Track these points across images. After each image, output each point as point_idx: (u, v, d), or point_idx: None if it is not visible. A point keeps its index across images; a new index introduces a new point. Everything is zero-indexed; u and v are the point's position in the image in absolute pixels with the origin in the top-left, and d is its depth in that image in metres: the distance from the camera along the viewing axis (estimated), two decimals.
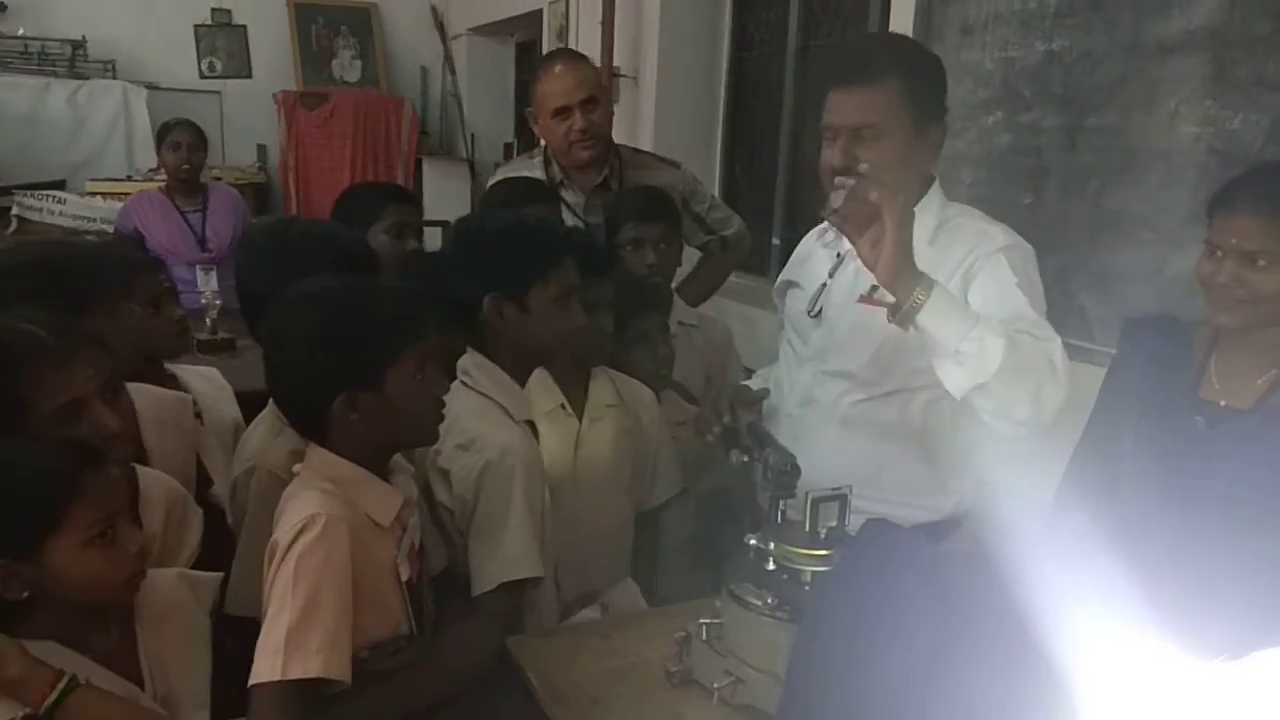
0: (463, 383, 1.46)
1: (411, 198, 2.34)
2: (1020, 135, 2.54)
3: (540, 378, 1.65)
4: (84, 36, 5.28)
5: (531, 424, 1.53)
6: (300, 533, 1.14)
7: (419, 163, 5.73)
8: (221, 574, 1.32)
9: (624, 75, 4.11)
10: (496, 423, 1.44)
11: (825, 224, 1.63)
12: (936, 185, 1.56)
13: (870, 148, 1.43)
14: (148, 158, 5.20)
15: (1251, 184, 1.32)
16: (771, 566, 1.13)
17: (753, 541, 1.16)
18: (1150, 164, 2.20)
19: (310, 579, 1.13)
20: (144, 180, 5.00)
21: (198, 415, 1.62)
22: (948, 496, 1.53)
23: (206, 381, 1.74)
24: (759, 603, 1.10)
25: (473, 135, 5.87)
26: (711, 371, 2.16)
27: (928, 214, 1.46)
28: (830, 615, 0.97)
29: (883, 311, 1.38)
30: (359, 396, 1.21)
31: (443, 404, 1.29)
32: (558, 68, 2.35)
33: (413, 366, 1.23)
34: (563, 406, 1.68)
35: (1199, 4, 2.06)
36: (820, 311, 1.57)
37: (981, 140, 2.59)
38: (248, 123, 5.56)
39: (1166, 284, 2.15)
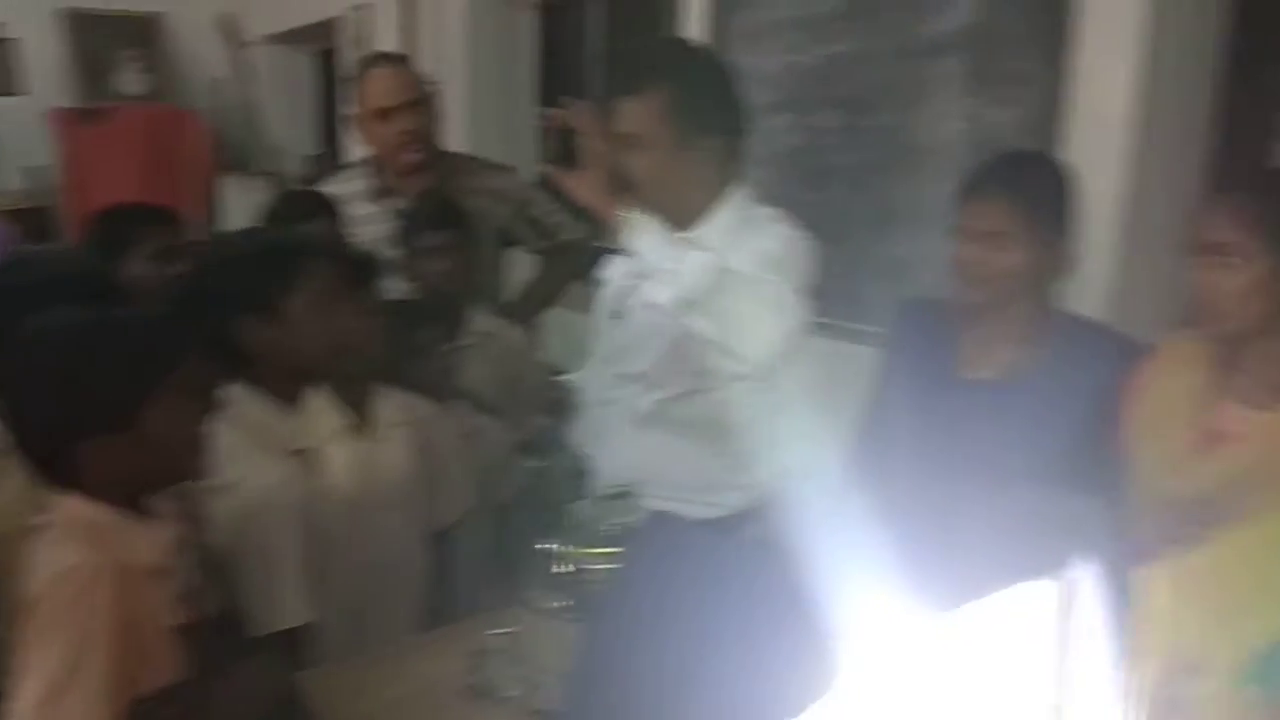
0: (223, 418, 1.38)
1: (173, 218, 2.18)
2: (806, 135, 2.66)
3: (322, 398, 1.58)
4: None
5: (306, 451, 1.46)
6: (57, 586, 1.05)
7: (215, 179, 5.41)
8: None
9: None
10: (260, 460, 1.37)
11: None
12: (739, 192, 1.57)
13: (636, 156, 1.47)
14: None
15: (990, 172, 1.44)
16: (563, 569, 1.13)
17: (543, 546, 1.15)
18: (922, 159, 2.35)
19: (68, 636, 1.04)
20: None
21: None
22: (740, 491, 1.57)
23: None
24: (551, 606, 1.09)
25: (275, 148, 5.61)
26: (510, 381, 2.13)
27: (721, 219, 1.50)
28: (613, 611, 0.97)
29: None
30: (109, 439, 1.12)
31: (203, 437, 1.22)
32: (379, 69, 2.29)
33: (165, 402, 1.16)
34: (350, 427, 1.63)
35: (959, 7, 2.21)
36: (621, 313, 1.59)
37: (770, 141, 2.70)
38: (20, 143, 5.09)
39: (939, 270, 2.30)
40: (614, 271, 1.66)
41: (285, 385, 1.44)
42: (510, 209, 2.36)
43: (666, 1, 3.31)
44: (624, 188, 1.37)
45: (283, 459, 1.42)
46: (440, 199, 2.21)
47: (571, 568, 1.12)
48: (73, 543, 1.11)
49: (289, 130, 5.71)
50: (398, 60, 2.37)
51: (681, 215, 1.52)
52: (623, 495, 1.13)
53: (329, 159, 5.51)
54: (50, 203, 5.19)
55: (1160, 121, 1.88)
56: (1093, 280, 1.74)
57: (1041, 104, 2.06)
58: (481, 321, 2.11)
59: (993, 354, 1.44)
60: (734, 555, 0.99)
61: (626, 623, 0.95)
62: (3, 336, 1.16)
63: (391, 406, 1.69)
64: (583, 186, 1.25)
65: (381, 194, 2.31)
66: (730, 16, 2.87)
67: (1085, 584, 0.68)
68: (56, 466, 1.16)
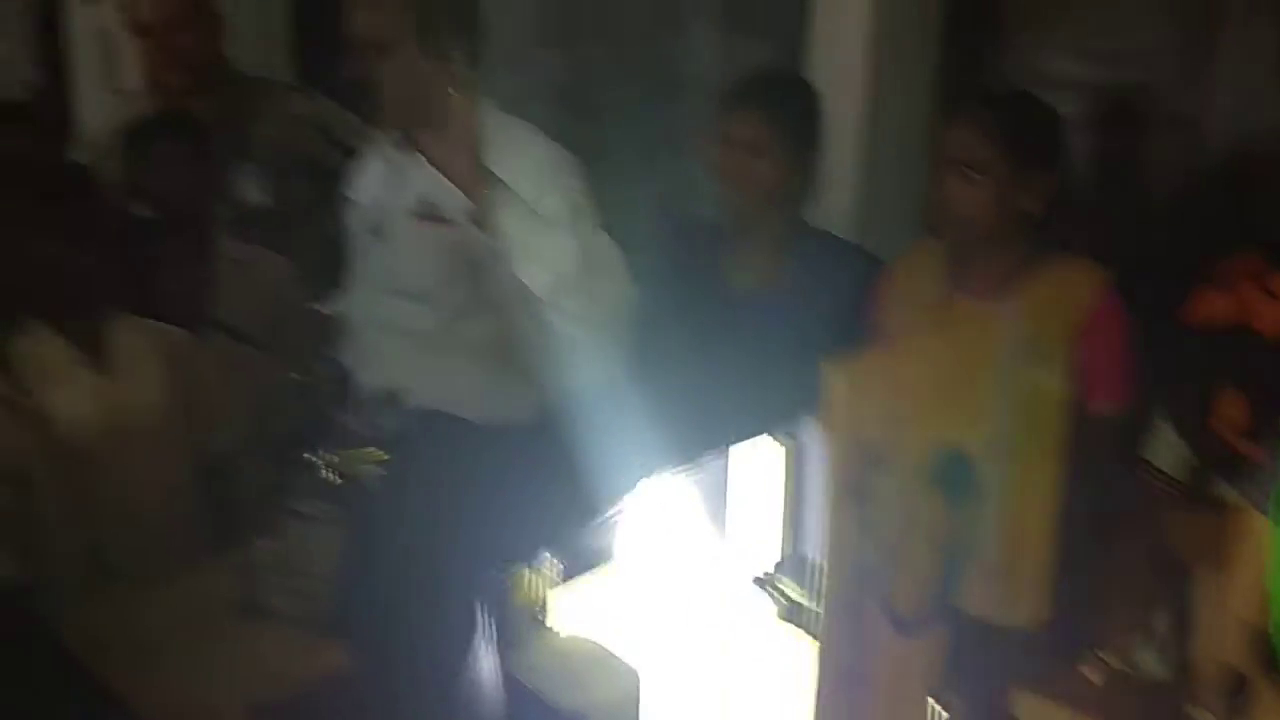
0: None
1: None
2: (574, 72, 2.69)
3: (40, 334, 1.46)
4: None
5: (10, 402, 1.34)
6: None
7: None
8: None
9: None
10: None
11: (379, 139, 1.62)
12: (487, 104, 1.57)
13: (379, 64, 1.45)
14: None
15: (747, 86, 1.55)
16: (330, 476, 1.12)
17: (307, 456, 1.13)
18: (682, 89, 2.45)
19: None
20: None
21: None
22: (518, 407, 1.58)
23: None
24: (316, 511, 1.08)
25: None
26: (273, 310, 2.03)
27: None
28: (376, 506, 0.98)
29: (443, 228, 1.41)
30: None
31: None
32: None
33: None
34: (78, 363, 1.51)
35: None
36: (379, 230, 1.55)
37: (539, 74, 2.70)
38: None
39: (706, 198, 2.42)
40: (366, 186, 1.62)
41: None
42: (318, 134, 2.23)
43: None
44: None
45: None
46: (171, 109, 2.05)
47: (337, 475, 1.11)
48: None
49: None
50: None
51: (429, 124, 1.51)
52: (389, 399, 1.12)
53: (52, 89, 4.93)
54: None
55: (892, 45, 2.05)
56: (836, 197, 1.90)
57: (788, 32, 2.19)
58: (237, 249, 1.99)
59: (750, 265, 1.55)
60: (505, 439, 1.01)
61: (388, 518, 0.95)
62: None
63: (134, 336, 1.58)
64: (454, 158, 1.23)
65: None
66: None
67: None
68: None
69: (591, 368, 1.48)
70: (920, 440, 0.63)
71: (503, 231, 1.31)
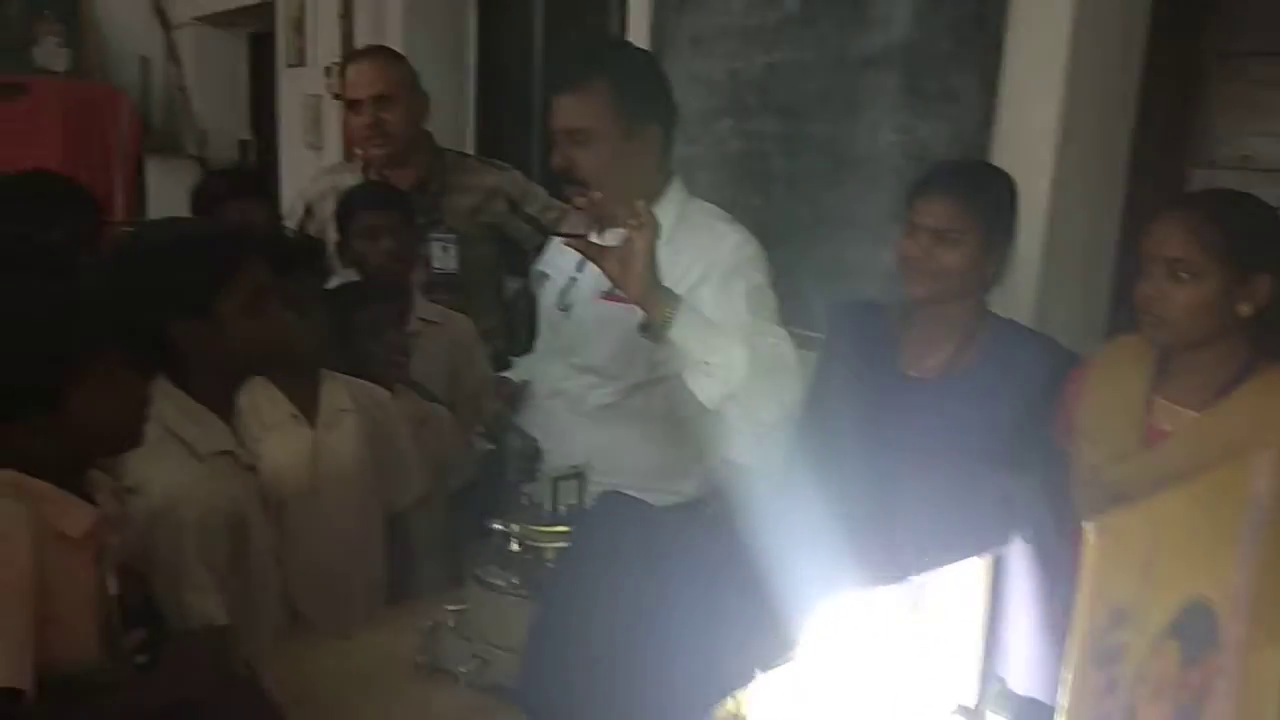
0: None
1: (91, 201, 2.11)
2: (748, 141, 2.73)
3: (264, 389, 1.57)
4: None
5: (236, 452, 1.44)
6: None
7: (140, 160, 5.27)
8: None
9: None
10: (172, 463, 1.33)
11: (574, 217, 1.69)
12: (677, 183, 1.65)
13: (584, 151, 1.51)
14: None
15: (942, 173, 1.54)
16: (515, 548, 1.16)
17: (496, 526, 1.18)
18: (857, 168, 2.43)
19: None
20: None
21: None
22: (690, 479, 1.61)
23: None
24: (502, 583, 1.12)
25: (203, 132, 5.48)
26: (457, 369, 2.15)
27: (666, 211, 1.56)
28: (564, 585, 1.00)
29: (624, 307, 1.46)
30: (32, 423, 1.11)
31: (145, 405, 1.21)
32: (355, 62, 2.35)
33: (89, 387, 1.14)
34: (294, 416, 1.62)
35: (895, 23, 2.30)
36: (569, 306, 1.62)
37: (714, 145, 2.75)
38: None
39: (876, 276, 2.39)
40: (558, 263, 1.69)
41: (213, 384, 1.41)
42: (505, 206, 2.39)
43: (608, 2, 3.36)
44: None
45: (199, 464, 1.38)
46: (383, 182, 2.22)
47: (522, 546, 1.15)
48: None
49: (219, 113, 5.58)
50: (377, 53, 2.41)
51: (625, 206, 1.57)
52: (574, 477, 1.16)
53: (260, 145, 5.41)
54: None
55: (1082, 138, 1.99)
56: (1016, 287, 1.85)
57: (972, 118, 2.16)
58: (427, 309, 2.12)
59: (931, 352, 1.52)
60: (687, 531, 1.03)
61: (578, 598, 0.98)
62: None
63: (338, 393, 1.68)
64: (623, 272, 1.29)
65: None
66: (675, 19, 2.92)
67: (1018, 559, 0.74)
68: None
69: (759, 453, 1.49)
70: (1169, 594, 0.60)
71: (672, 344, 1.34)
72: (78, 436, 1.14)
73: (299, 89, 4.55)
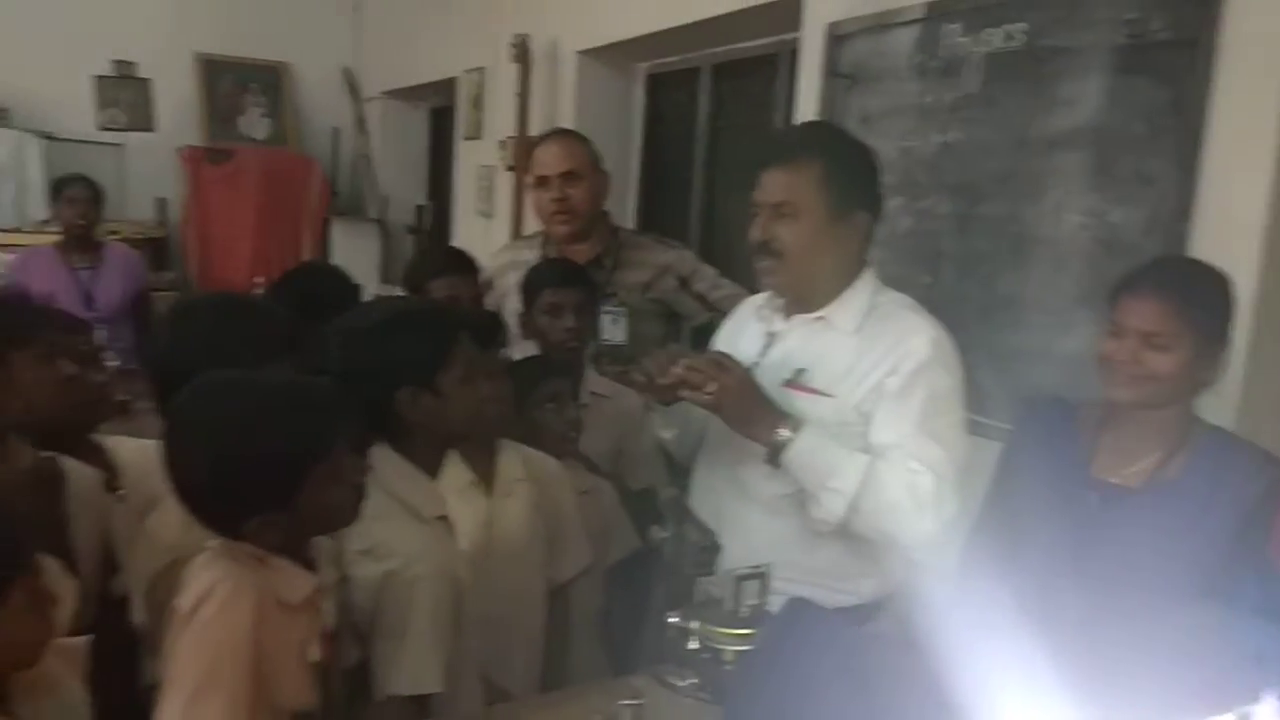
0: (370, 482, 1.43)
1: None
2: (918, 220, 2.68)
3: (450, 460, 1.63)
4: None
5: (445, 519, 1.51)
6: (203, 600, 1.12)
7: (326, 223, 5.65)
8: (89, 638, 1.27)
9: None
10: (401, 526, 1.41)
11: (760, 297, 1.70)
12: (869, 274, 1.63)
13: (787, 225, 1.52)
14: (40, 209, 4.99)
15: (1154, 272, 1.45)
16: (693, 646, 1.14)
17: (674, 620, 1.17)
18: (1037, 250, 2.34)
19: (211, 648, 1.11)
20: (34, 232, 4.80)
21: (115, 490, 1.55)
22: (869, 580, 1.56)
23: (139, 454, 1.64)
24: (682, 684, 1.11)
25: (384, 197, 5.84)
26: (623, 444, 2.17)
27: (856, 301, 1.54)
28: (752, 696, 0.98)
29: (809, 397, 1.44)
30: (268, 514, 1.18)
31: (365, 484, 1.28)
32: (547, 141, 2.47)
33: (329, 470, 1.21)
34: (473, 483, 1.67)
35: (1083, 104, 2.22)
36: None
37: (884, 223, 2.71)
38: (149, 176, 5.39)
39: (1056, 363, 2.28)
40: (738, 346, 1.69)
41: (428, 451, 1.50)
42: (676, 283, 2.45)
43: (781, 78, 3.40)
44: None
45: (423, 526, 1.46)
46: (566, 260, 2.30)
47: (702, 645, 1.13)
48: (222, 565, 1.17)
49: (399, 180, 5.94)
50: (567, 135, 2.53)
51: (818, 292, 1.56)
52: (757, 576, 1.14)
53: (435, 210, 5.72)
54: (170, 233, 5.48)
55: None
56: (1219, 388, 1.72)
57: (1168, 204, 2.05)
58: (597, 383, 2.16)
59: (1133, 459, 1.43)
60: (871, 646, 0.99)
61: (766, 708, 0.95)
62: (182, 382, 1.22)
63: (514, 462, 1.73)
64: (723, 404, 1.33)
65: None
66: (844, 98, 2.92)
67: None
68: (219, 523, 1.22)
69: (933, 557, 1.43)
70: None
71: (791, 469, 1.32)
72: (305, 521, 1.21)
73: (474, 160, 4.79)
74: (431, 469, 1.53)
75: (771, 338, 1.64)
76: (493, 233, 4.41)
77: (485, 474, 1.69)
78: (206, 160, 5.46)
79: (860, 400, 1.50)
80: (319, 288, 2.08)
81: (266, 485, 1.18)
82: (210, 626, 1.11)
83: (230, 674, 1.10)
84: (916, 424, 1.44)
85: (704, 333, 2.58)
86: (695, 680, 1.10)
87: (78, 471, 1.50)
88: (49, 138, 5.16)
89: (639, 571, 1.92)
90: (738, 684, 1.03)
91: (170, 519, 1.39)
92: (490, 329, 1.69)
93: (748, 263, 3.02)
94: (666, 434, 1.80)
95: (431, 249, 2.46)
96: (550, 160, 2.42)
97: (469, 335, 1.49)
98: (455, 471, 1.64)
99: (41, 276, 3.36)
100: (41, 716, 1.14)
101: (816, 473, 1.34)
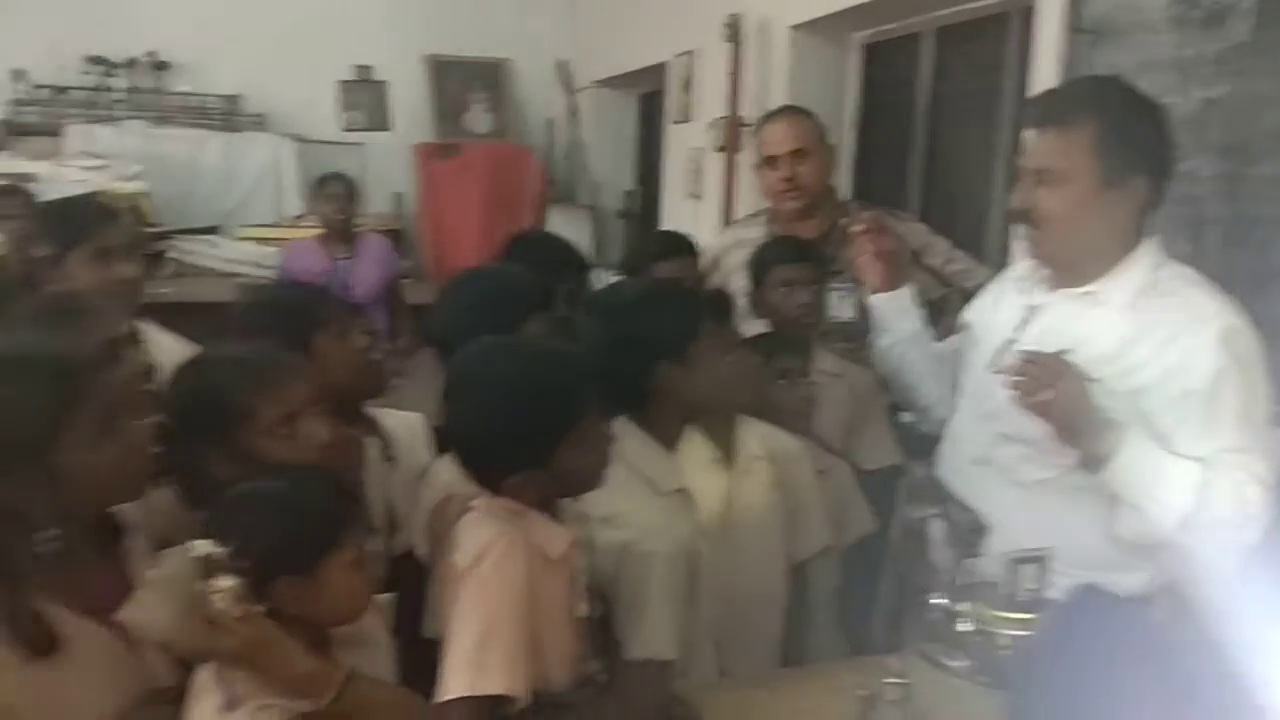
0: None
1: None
2: (1177, 183, 2.46)
3: (691, 436, 1.67)
4: (238, 93, 5.65)
5: (683, 491, 1.55)
6: (480, 557, 1.20)
7: (544, 210, 5.89)
8: (394, 594, 1.39)
9: (750, 125, 4.16)
10: (639, 498, 1.46)
11: (1023, 266, 1.62)
12: (1151, 245, 1.49)
13: (1050, 192, 1.42)
14: (293, 205, 5.51)
15: None
16: (965, 628, 1.11)
17: (940, 601, 1.14)
18: None
19: (490, 601, 1.19)
20: (289, 227, 5.29)
21: (390, 458, 1.70)
22: (1138, 573, 1.43)
23: (404, 426, 1.82)
24: (955, 665, 1.08)
25: (596, 184, 6.01)
26: (855, 423, 2.13)
27: (1131, 276, 1.43)
28: (1045, 684, 0.95)
29: None
30: (527, 474, 1.26)
31: (611, 450, 1.33)
32: (774, 120, 2.47)
33: (582, 435, 1.28)
34: (714, 460, 1.69)
35: None
36: (998, 364, 1.53)
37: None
38: (386, 173, 5.81)
39: None
40: (992, 320, 1.61)
41: (668, 425, 1.54)
42: (907, 256, 2.39)
43: (1012, 39, 3.21)
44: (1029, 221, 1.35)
45: (660, 499, 1.51)
46: (791, 236, 2.29)
47: (976, 628, 1.10)
48: (492, 523, 1.26)
49: (609, 167, 6.10)
50: (794, 112, 2.52)
51: (1087, 264, 1.46)
52: (1035, 560, 1.09)
53: (644, 194, 5.84)
54: (406, 225, 5.88)
55: None
56: None
57: None
58: (827, 360, 2.14)
59: None
60: (1169, 633, 0.93)
61: (1064, 700, 0.92)
62: (455, 347, 1.33)
63: (753, 440, 1.74)
64: (1050, 412, 1.26)
65: None
66: (1089, 55, 2.72)
67: None
68: (486, 477, 1.31)
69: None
70: None
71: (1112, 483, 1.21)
72: (559, 482, 1.29)
73: (683, 143, 4.84)
74: (669, 443, 1.57)
75: (1031, 311, 1.55)
76: (702, 215, 4.44)
77: (726, 451, 1.72)
78: (437, 156, 5.81)
79: (1132, 390, 1.38)
80: (544, 254, 2.16)
81: (530, 443, 1.26)
82: (489, 581, 1.20)
83: (510, 625, 1.18)
84: (1234, 429, 1.31)
85: (936, 308, 2.50)
86: (968, 663, 1.07)
87: (364, 441, 1.65)
88: (300, 140, 5.66)
89: (867, 553, 1.89)
90: (1024, 671, 1.00)
91: (446, 465, 1.54)
92: (725, 307, 1.71)
93: (972, 238, 2.89)
94: (907, 417, 1.76)
95: (652, 233, 2.50)
96: (778, 139, 2.40)
97: (710, 312, 1.53)
98: (697, 448, 1.68)
99: (307, 266, 3.71)
100: (358, 662, 1.26)
101: (1141, 484, 1.24)
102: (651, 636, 1.43)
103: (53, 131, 5.22)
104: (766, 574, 1.72)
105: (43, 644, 1.07)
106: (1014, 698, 0.99)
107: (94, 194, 2.01)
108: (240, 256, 5.06)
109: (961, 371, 1.68)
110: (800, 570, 1.79)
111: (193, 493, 1.28)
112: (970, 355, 1.64)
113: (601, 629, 1.42)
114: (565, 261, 2.16)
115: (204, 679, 1.13)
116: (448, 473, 1.51)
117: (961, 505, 1.22)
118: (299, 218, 5.36)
